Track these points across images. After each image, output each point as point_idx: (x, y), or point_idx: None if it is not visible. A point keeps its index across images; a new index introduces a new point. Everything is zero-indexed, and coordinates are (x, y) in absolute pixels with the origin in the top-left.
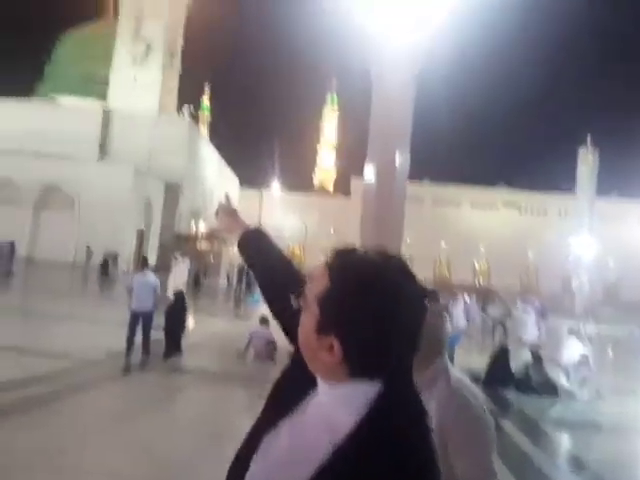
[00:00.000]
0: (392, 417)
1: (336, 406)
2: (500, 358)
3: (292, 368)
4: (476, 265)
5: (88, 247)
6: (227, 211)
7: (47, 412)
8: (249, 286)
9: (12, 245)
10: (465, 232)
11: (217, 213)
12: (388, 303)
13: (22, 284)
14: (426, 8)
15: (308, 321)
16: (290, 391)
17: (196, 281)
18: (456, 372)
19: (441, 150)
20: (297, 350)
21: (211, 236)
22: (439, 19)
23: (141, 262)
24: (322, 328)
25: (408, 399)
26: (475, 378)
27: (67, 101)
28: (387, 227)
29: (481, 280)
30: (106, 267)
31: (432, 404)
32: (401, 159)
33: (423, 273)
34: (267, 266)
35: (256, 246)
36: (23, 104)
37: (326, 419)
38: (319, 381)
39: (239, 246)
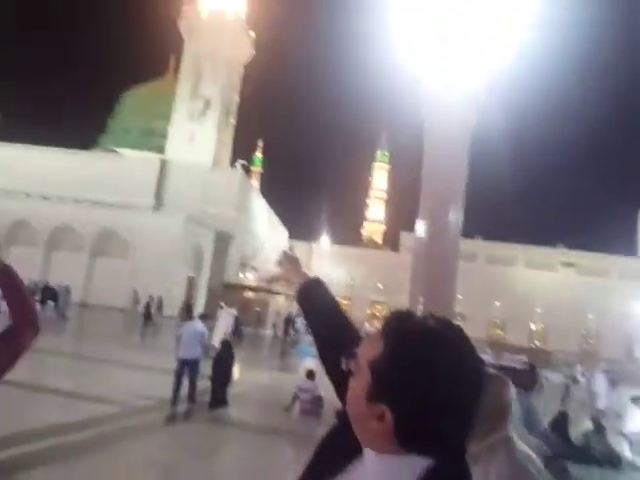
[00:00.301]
0: None
1: (382, 478)
2: (559, 425)
3: (339, 429)
4: (532, 326)
5: (135, 292)
6: (290, 259)
7: (93, 458)
8: (295, 338)
9: (67, 289)
10: (521, 292)
11: (280, 261)
12: (445, 375)
13: (75, 328)
14: (484, 60)
15: (359, 386)
16: (335, 454)
17: (236, 331)
18: (521, 444)
19: (495, 207)
20: (345, 411)
21: (263, 284)
22: (497, 72)
23: (185, 309)
24: (373, 395)
25: (459, 478)
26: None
27: (127, 153)
28: (438, 284)
29: (537, 343)
30: (148, 312)
31: (492, 476)
32: (454, 215)
33: (476, 332)
34: (323, 318)
35: (314, 297)
36: (85, 155)
37: None
38: (365, 449)
39: (298, 295)
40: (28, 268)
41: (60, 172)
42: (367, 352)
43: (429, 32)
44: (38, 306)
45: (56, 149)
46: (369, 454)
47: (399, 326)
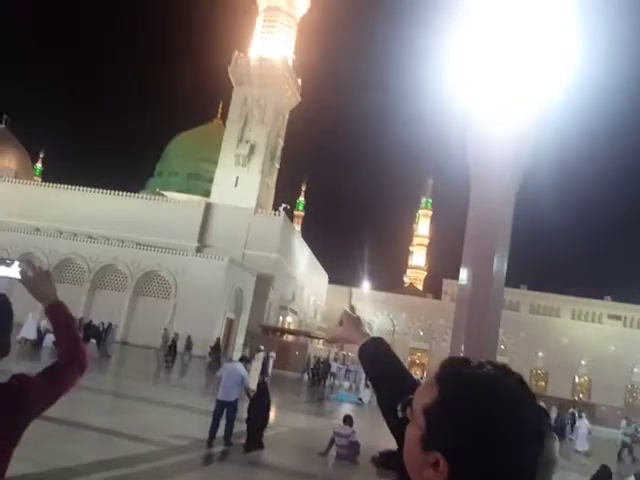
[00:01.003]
0: None
1: None
2: (601, 477)
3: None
4: (576, 379)
5: (166, 331)
6: (352, 319)
7: None
8: (333, 383)
9: (110, 327)
10: (565, 343)
11: (341, 320)
12: (502, 423)
13: (115, 366)
14: (533, 109)
15: (413, 434)
16: None
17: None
18: None
19: (542, 258)
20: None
21: (327, 342)
22: (546, 122)
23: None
24: (428, 443)
25: None
26: None
27: (173, 196)
28: (481, 333)
29: (581, 395)
30: (172, 349)
31: None
32: (498, 263)
33: None
34: (382, 372)
35: (376, 355)
36: (133, 198)
37: None
38: None
39: (359, 353)
40: (73, 306)
41: (107, 214)
42: (422, 399)
43: (476, 71)
44: None
45: (104, 191)
46: None
47: (454, 372)
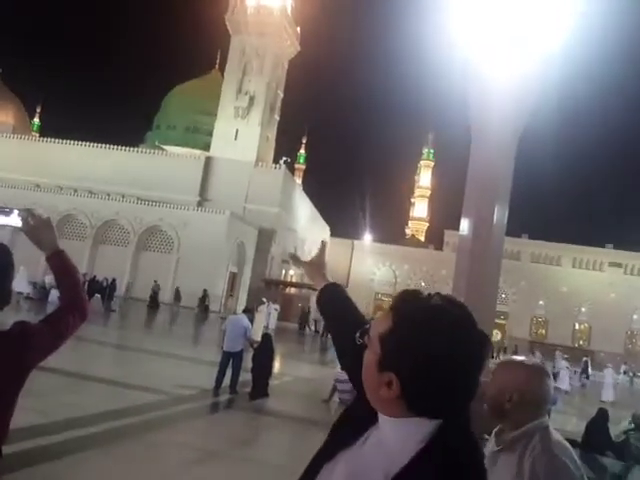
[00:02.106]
0: (447, 454)
1: (393, 439)
2: (599, 421)
3: (355, 404)
4: (576, 326)
5: (156, 283)
6: (316, 263)
7: (136, 444)
8: None
9: (114, 282)
10: (565, 291)
11: (292, 258)
12: (446, 345)
13: (121, 321)
14: (534, 63)
15: (370, 358)
16: (351, 424)
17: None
18: (557, 435)
19: (543, 207)
20: (360, 388)
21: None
22: (547, 74)
23: (200, 299)
24: (382, 365)
25: (463, 438)
26: (571, 442)
27: (173, 150)
28: (481, 282)
29: (581, 342)
30: (154, 300)
31: (526, 464)
32: (499, 213)
33: (519, 331)
34: (338, 318)
35: (331, 299)
36: (131, 152)
37: (383, 451)
38: (379, 415)
39: (319, 297)
40: (76, 262)
41: (107, 169)
42: (378, 327)
43: (477, 19)
44: None
45: (104, 146)
46: (382, 419)
47: (406, 303)
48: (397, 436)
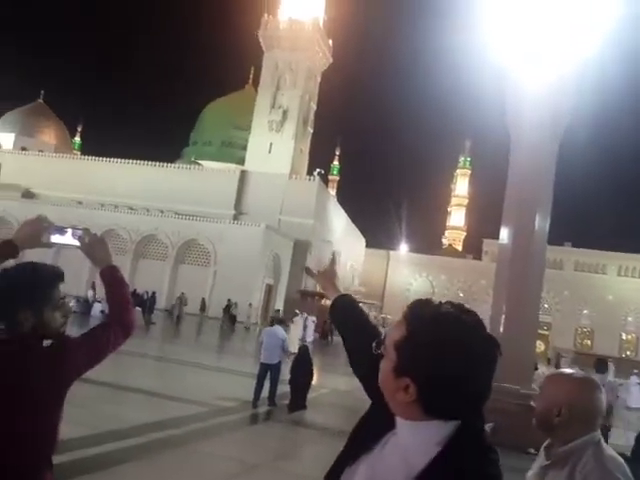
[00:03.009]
0: (464, 457)
1: (412, 443)
2: None
3: (373, 408)
4: (623, 336)
5: (183, 295)
6: (326, 275)
7: (176, 455)
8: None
9: (154, 296)
10: (611, 301)
11: (305, 271)
12: (456, 350)
13: (161, 333)
14: (570, 67)
15: (387, 365)
16: (371, 428)
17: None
18: (609, 450)
19: (584, 214)
20: (373, 395)
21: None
22: (584, 77)
23: (225, 309)
24: (399, 371)
25: (479, 442)
26: (621, 455)
27: (209, 165)
28: (523, 292)
29: (628, 353)
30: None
31: (577, 478)
32: (540, 221)
33: (562, 342)
34: (351, 329)
35: (344, 310)
36: (169, 169)
37: (402, 454)
38: (397, 419)
39: (332, 308)
40: None
41: (146, 185)
42: (393, 336)
43: (513, 24)
44: None
45: (142, 163)
46: (400, 423)
47: (418, 310)
48: (415, 439)
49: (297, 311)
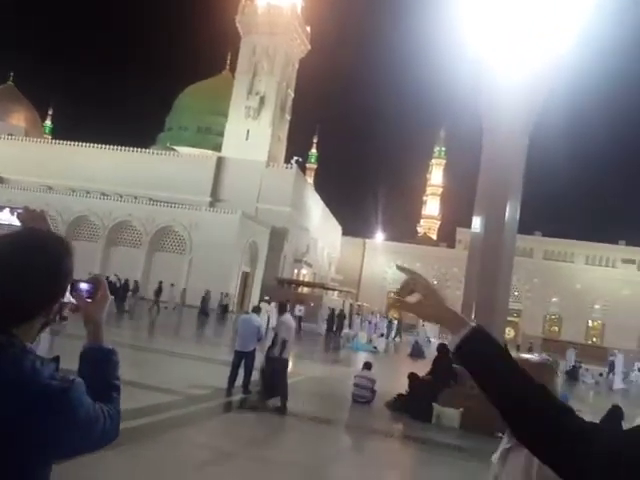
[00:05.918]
0: None
1: None
2: (612, 418)
3: None
4: (590, 323)
5: (172, 285)
6: (433, 292)
7: (149, 443)
8: (350, 333)
9: (127, 283)
10: (579, 289)
11: (411, 289)
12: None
13: (134, 321)
14: (544, 61)
15: None
16: None
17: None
18: None
19: (554, 204)
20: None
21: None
22: (558, 71)
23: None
24: None
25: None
26: None
27: (184, 151)
28: (493, 280)
29: (594, 339)
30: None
31: (521, 458)
32: (511, 211)
33: (531, 329)
34: (518, 397)
35: (491, 362)
36: (143, 154)
37: None
38: None
39: (462, 354)
40: (89, 262)
41: (120, 170)
42: None
43: (488, 18)
44: None
45: (116, 148)
46: None
47: None
48: None
49: (266, 298)
